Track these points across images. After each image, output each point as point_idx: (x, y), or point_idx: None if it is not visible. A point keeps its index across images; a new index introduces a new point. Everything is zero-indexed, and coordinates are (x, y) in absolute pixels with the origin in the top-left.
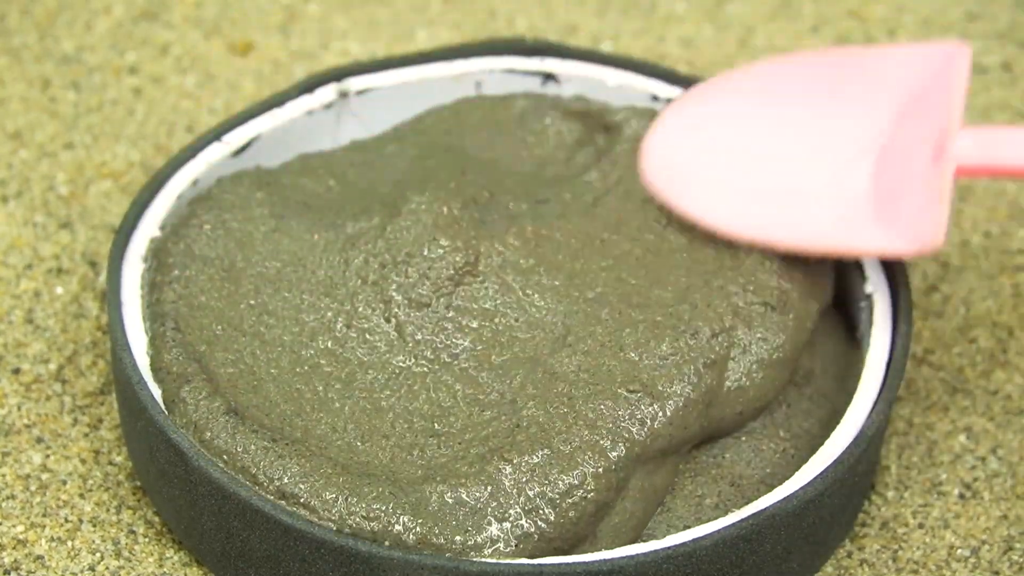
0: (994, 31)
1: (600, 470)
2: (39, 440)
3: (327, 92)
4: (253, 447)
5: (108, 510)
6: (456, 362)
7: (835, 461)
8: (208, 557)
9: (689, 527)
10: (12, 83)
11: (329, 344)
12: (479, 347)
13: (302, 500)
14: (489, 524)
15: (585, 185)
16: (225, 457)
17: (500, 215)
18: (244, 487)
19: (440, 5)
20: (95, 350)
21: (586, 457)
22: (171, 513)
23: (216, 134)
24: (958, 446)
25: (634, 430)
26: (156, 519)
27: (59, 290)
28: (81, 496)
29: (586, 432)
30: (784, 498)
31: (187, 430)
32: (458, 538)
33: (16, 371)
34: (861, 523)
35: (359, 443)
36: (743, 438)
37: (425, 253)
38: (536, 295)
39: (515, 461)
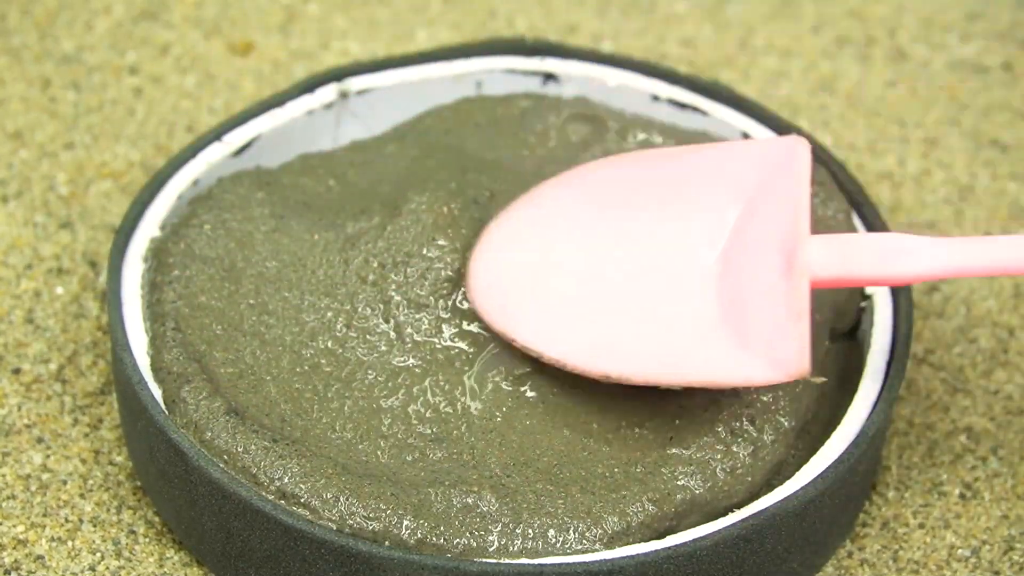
0: (994, 31)
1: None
2: (39, 440)
3: (327, 92)
4: (253, 447)
5: (108, 510)
6: (454, 364)
7: (835, 461)
8: (208, 557)
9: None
10: (12, 83)
11: (329, 344)
12: (474, 349)
13: (302, 500)
14: (495, 529)
15: None
16: (225, 457)
17: None
18: (244, 487)
19: (440, 5)
20: (95, 350)
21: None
22: (171, 513)
23: (216, 134)
24: (958, 446)
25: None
26: (156, 519)
27: (59, 290)
28: (81, 496)
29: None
30: (784, 498)
31: (187, 430)
32: (460, 541)
33: (16, 371)
34: (861, 523)
35: (358, 443)
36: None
37: (424, 253)
38: None
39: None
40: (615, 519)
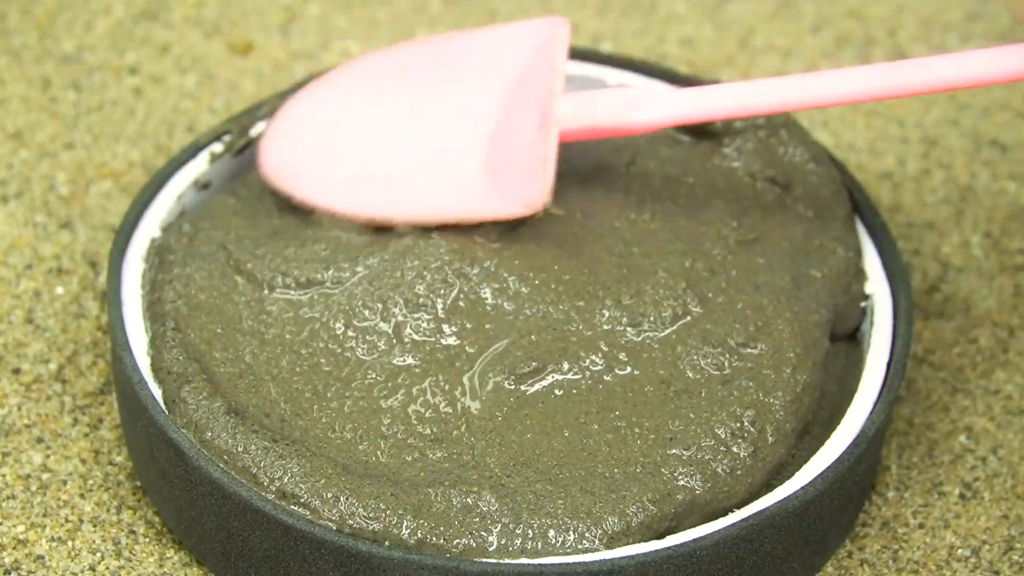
0: (994, 31)
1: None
2: (39, 440)
3: None
4: (253, 447)
5: (108, 510)
6: (454, 364)
7: (835, 461)
8: (208, 557)
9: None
10: (12, 83)
11: (329, 344)
12: (474, 349)
13: (302, 500)
14: (495, 529)
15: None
16: (225, 457)
17: None
18: (244, 487)
19: (440, 5)
20: (95, 350)
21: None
22: (171, 513)
23: (216, 134)
24: (958, 446)
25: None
26: (156, 519)
27: (59, 290)
28: (81, 496)
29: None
30: (784, 498)
31: (187, 430)
32: (460, 541)
33: (16, 371)
34: (861, 523)
35: (358, 443)
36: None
37: (423, 253)
38: (534, 297)
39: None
40: (615, 519)
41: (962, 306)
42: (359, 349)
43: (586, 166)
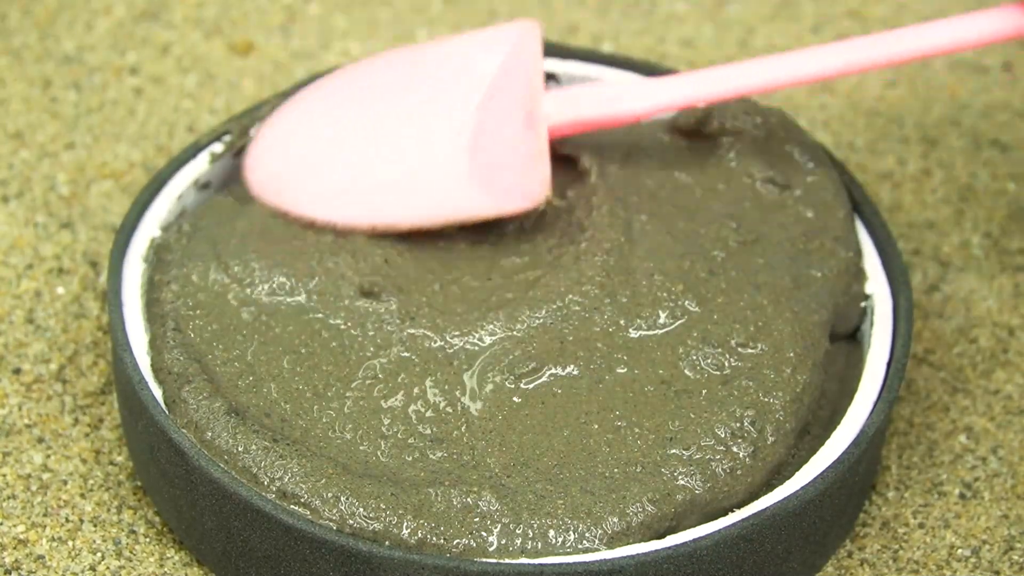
0: None
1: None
2: (40, 440)
3: None
4: (254, 447)
5: (109, 510)
6: (454, 363)
7: (835, 461)
8: (209, 557)
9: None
10: (13, 83)
11: (329, 344)
12: (475, 348)
13: (303, 500)
14: (495, 529)
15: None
16: (226, 457)
17: None
18: (245, 487)
19: (440, 5)
20: (96, 350)
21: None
22: (172, 513)
23: (217, 134)
24: (958, 446)
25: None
26: (157, 519)
27: (60, 290)
28: (82, 496)
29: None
30: (784, 498)
31: (188, 430)
32: (460, 541)
33: (17, 371)
34: (861, 523)
35: (359, 443)
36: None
37: None
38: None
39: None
40: (615, 519)
41: (962, 306)
42: (359, 349)
43: (585, 167)
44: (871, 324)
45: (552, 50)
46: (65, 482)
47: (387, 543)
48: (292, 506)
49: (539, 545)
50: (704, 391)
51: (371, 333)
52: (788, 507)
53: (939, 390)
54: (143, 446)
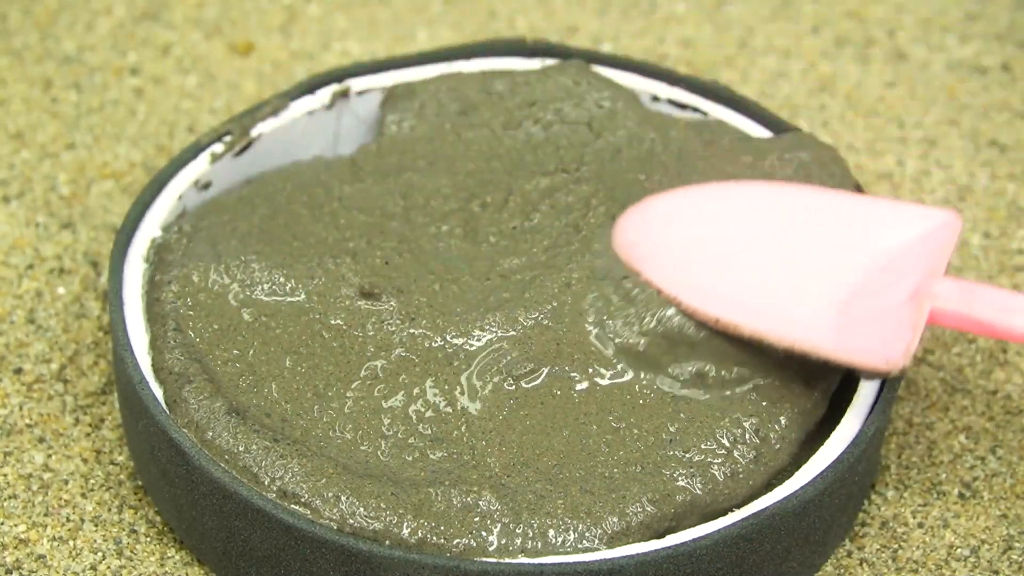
0: (994, 31)
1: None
2: (41, 440)
3: (328, 92)
4: (254, 447)
5: (109, 510)
6: (454, 363)
7: (835, 461)
8: (209, 556)
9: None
10: (13, 83)
11: (330, 344)
12: (475, 348)
13: (303, 500)
14: (495, 529)
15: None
16: (226, 457)
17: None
18: (245, 487)
19: (440, 5)
20: (96, 350)
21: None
22: (172, 513)
23: (217, 134)
24: (958, 446)
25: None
26: (157, 519)
27: (61, 290)
28: (83, 496)
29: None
30: (784, 498)
31: (188, 430)
32: (460, 541)
33: (18, 371)
34: (861, 523)
35: (359, 443)
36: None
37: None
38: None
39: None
40: (615, 519)
41: None
42: (360, 349)
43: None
44: None
45: (552, 51)
46: (66, 482)
47: (387, 543)
48: (292, 506)
49: (539, 545)
50: (705, 395)
51: (371, 333)
52: (787, 507)
53: (939, 390)
54: (144, 446)
